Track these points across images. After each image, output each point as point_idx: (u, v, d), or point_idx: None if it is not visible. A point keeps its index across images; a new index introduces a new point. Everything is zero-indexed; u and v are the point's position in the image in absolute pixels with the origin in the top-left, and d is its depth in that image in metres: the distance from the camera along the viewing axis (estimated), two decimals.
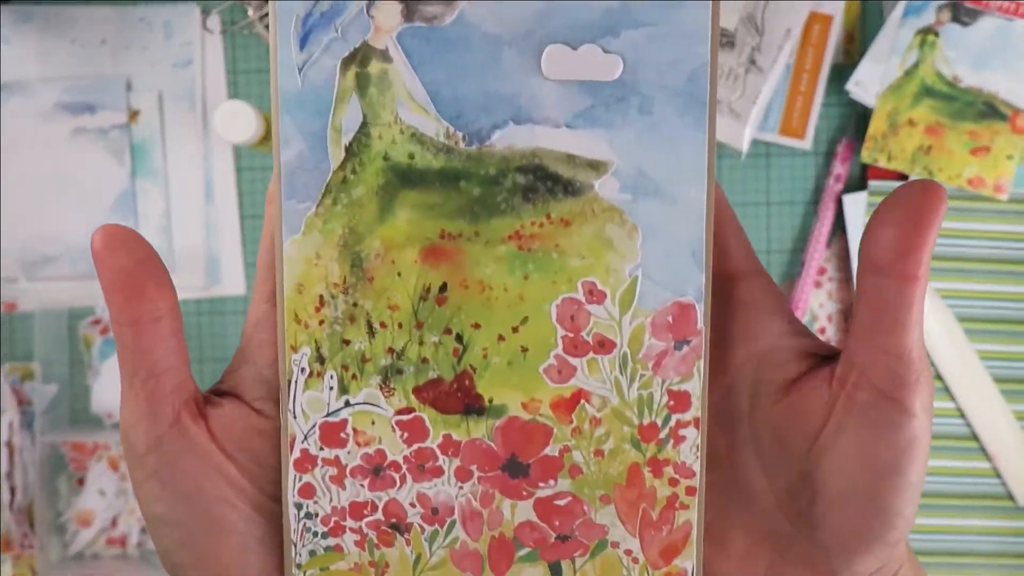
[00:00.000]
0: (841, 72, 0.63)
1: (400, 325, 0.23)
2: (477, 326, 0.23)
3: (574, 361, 0.23)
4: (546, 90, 0.22)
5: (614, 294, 0.23)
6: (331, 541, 0.24)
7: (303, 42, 0.22)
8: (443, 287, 0.23)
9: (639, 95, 0.22)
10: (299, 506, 0.24)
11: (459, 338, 0.23)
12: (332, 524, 0.24)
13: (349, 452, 0.24)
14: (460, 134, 0.22)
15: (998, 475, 0.64)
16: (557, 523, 0.24)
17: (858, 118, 0.64)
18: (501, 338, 0.23)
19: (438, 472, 0.24)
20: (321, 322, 0.23)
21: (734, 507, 0.25)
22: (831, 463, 0.23)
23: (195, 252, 0.65)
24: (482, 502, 0.24)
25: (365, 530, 0.24)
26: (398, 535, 0.24)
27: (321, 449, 0.24)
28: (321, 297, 0.23)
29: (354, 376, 0.23)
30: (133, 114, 0.65)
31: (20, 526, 0.65)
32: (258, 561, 0.24)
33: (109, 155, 0.65)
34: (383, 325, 0.23)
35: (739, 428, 0.25)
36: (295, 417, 0.24)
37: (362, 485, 0.24)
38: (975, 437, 0.64)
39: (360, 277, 0.23)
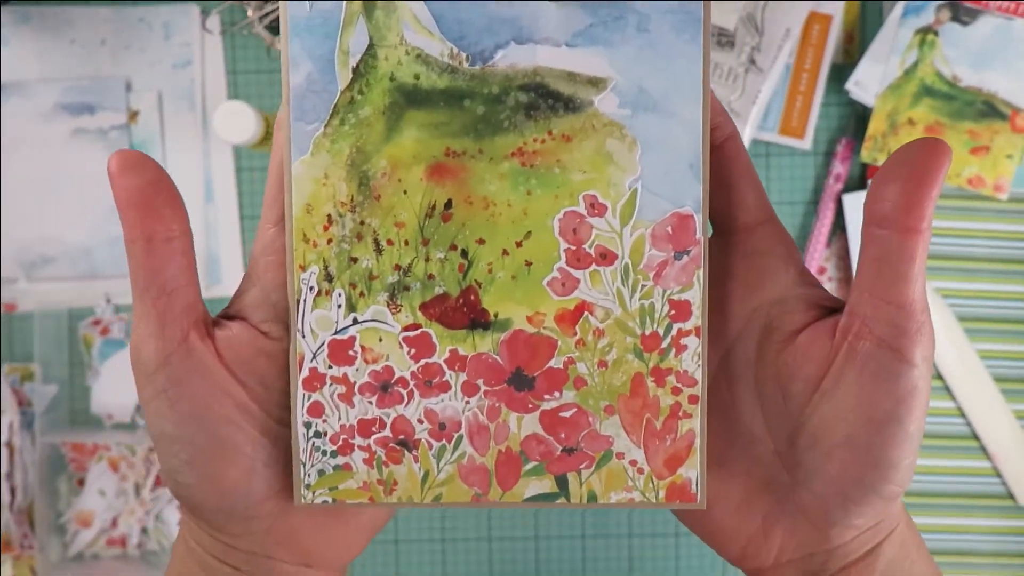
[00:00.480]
0: (841, 72, 0.63)
1: (407, 242, 0.24)
2: (482, 242, 0.24)
3: (577, 273, 0.24)
4: (546, 10, 0.23)
5: (615, 206, 0.23)
6: (340, 460, 0.24)
7: None
8: (448, 204, 0.24)
9: (636, 13, 0.23)
10: (308, 425, 0.24)
11: (464, 254, 0.24)
12: (341, 443, 0.24)
13: (357, 369, 0.24)
14: (464, 54, 0.23)
15: (998, 475, 0.64)
16: (563, 435, 0.24)
17: (858, 118, 0.64)
18: (505, 253, 0.24)
19: (445, 387, 0.24)
20: (329, 241, 0.24)
21: (733, 455, 0.26)
22: (830, 411, 0.23)
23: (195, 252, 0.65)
24: (489, 416, 0.24)
25: (374, 447, 0.24)
26: (406, 452, 0.24)
27: (330, 367, 0.24)
28: (329, 216, 0.23)
29: (362, 294, 0.24)
30: (133, 115, 0.65)
31: (20, 527, 0.65)
32: (263, 483, 0.24)
33: (109, 155, 0.65)
34: (390, 242, 0.24)
35: (744, 376, 0.25)
36: (304, 336, 0.24)
37: (370, 402, 0.24)
38: (975, 437, 0.64)
39: (367, 196, 0.23)
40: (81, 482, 0.66)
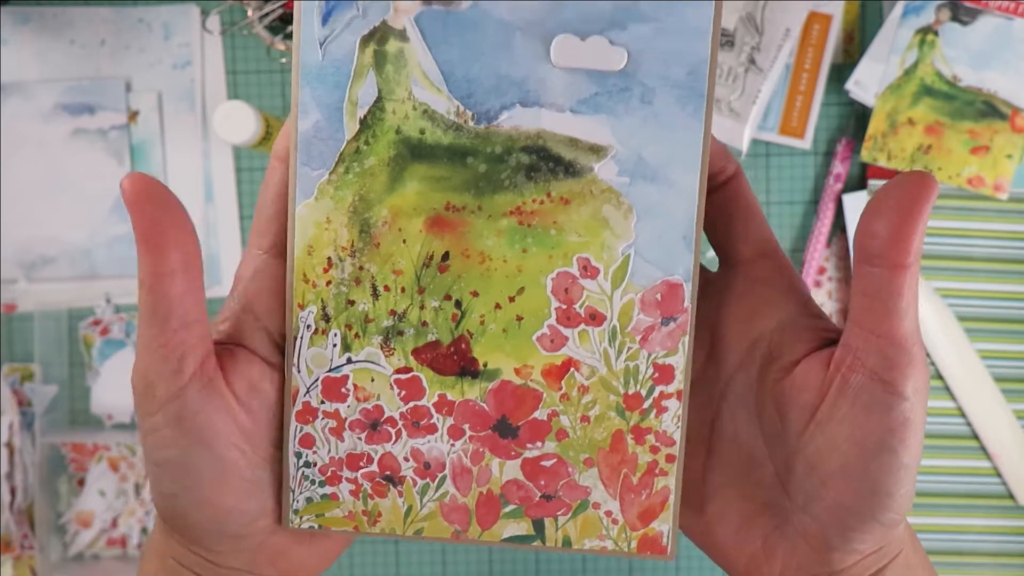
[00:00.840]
0: (841, 72, 0.63)
1: (403, 289, 0.25)
2: (476, 294, 0.25)
3: (566, 331, 0.25)
4: (554, 76, 0.23)
5: (607, 270, 0.24)
6: (327, 489, 0.26)
7: (325, 18, 0.24)
8: (445, 256, 0.24)
9: (642, 86, 0.23)
10: (299, 455, 0.25)
11: (458, 304, 0.25)
12: (329, 474, 0.25)
13: (349, 406, 0.25)
14: (470, 113, 0.24)
15: (998, 474, 0.64)
16: (542, 483, 0.25)
17: (858, 118, 0.64)
18: (498, 306, 0.25)
19: (432, 429, 0.25)
20: (328, 283, 0.25)
21: (735, 477, 0.26)
22: (825, 441, 0.24)
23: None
24: (472, 459, 0.25)
25: (360, 481, 0.25)
26: (391, 487, 0.25)
27: (322, 402, 0.25)
28: (329, 259, 0.24)
29: (357, 335, 0.25)
30: (133, 115, 0.65)
31: (20, 527, 0.65)
32: (257, 506, 0.25)
33: (109, 156, 0.65)
34: (387, 288, 0.25)
35: (746, 401, 0.26)
36: (299, 371, 0.25)
37: (359, 438, 0.25)
38: (975, 437, 0.64)
39: (367, 242, 0.24)
40: (81, 482, 0.66)
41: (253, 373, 0.25)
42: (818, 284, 0.65)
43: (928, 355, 0.63)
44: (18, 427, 0.65)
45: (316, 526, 0.26)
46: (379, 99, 0.24)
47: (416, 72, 0.24)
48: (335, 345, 0.25)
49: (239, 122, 0.55)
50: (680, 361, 0.25)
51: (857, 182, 0.64)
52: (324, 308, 0.25)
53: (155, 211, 0.22)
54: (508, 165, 0.24)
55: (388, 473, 0.26)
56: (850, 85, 0.61)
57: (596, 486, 0.25)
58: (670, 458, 0.25)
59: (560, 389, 0.25)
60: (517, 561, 0.66)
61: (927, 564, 0.27)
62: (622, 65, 0.23)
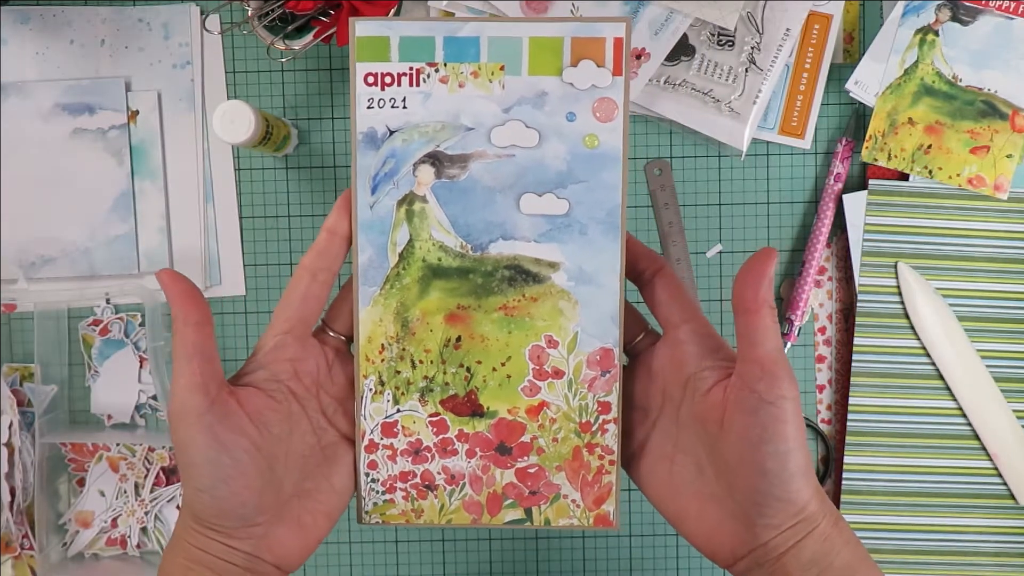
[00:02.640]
0: (841, 72, 0.63)
1: (432, 362, 0.36)
2: (479, 362, 0.36)
3: (539, 383, 0.36)
4: (522, 220, 0.35)
5: (564, 342, 0.36)
6: (387, 496, 0.37)
7: (373, 190, 0.35)
8: (458, 338, 0.36)
9: (579, 223, 0.35)
10: (367, 474, 0.37)
11: (468, 369, 0.36)
12: (388, 485, 0.37)
13: (399, 440, 0.37)
14: (469, 245, 0.35)
15: (998, 474, 0.64)
16: (529, 483, 0.37)
17: (858, 117, 0.64)
18: (494, 369, 0.36)
19: (455, 452, 0.37)
20: (382, 360, 0.36)
21: (692, 480, 0.35)
22: (730, 441, 0.33)
23: (194, 252, 0.65)
24: (482, 471, 0.37)
25: (408, 489, 0.37)
26: (430, 492, 0.37)
27: (382, 439, 0.37)
28: (382, 345, 0.36)
29: (402, 393, 0.36)
30: (132, 115, 0.65)
31: (20, 527, 0.65)
32: (265, 500, 0.34)
33: (108, 155, 0.64)
34: (421, 362, 0.36)
35: (687, 423, 0.35)
36: (365, 419, 0.36)
37: (407, 461, 0.37)
38: (975, 437, 0.63)
39: (407, 332, 0.36)
40: (81, 482, 0.66)
41: (259, 402, 0.34)
42: (818, 284, 0.65)
43: (928, 355, 0.63)
44: (18, 427, 0.65)
45: (380, 521, 0.37)
46: (410, 240, 0.35)
47: (433, 222, 0.35)
48: (388, 400, 0.36)
49: (238, 122, 0.55)
50: (614, 398, 0.36)
51: (857, 182, 0.64)
52: (380, 377, 0.36)
53: (182, 287, 0.33)
54: (496, 278, 0.35)
55: (427, 483, 0.37)
56: (850, 85, 0.61)
57: (564, 483, 0.36)
58: (612, 462, 0.36)
59: (537, 421, 0.36)
60: (517, 561, 0.66)
61: (850, 537, 0.33)
62: (565, 211, 0.35)
